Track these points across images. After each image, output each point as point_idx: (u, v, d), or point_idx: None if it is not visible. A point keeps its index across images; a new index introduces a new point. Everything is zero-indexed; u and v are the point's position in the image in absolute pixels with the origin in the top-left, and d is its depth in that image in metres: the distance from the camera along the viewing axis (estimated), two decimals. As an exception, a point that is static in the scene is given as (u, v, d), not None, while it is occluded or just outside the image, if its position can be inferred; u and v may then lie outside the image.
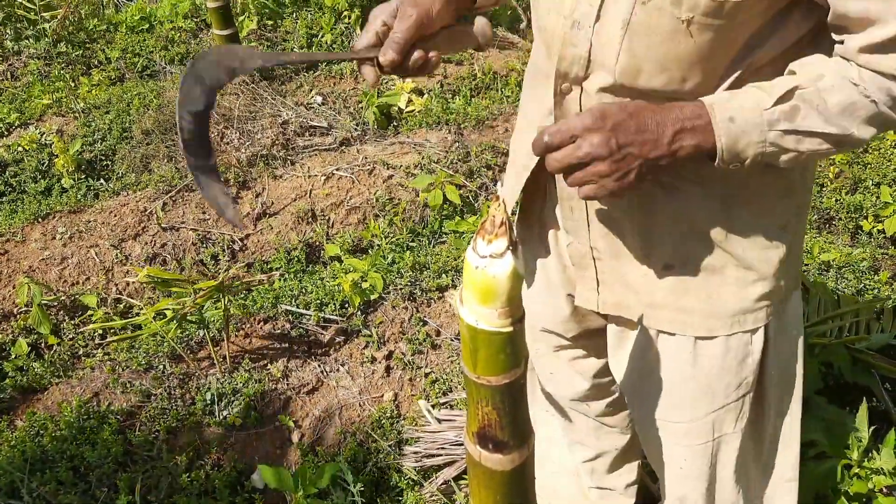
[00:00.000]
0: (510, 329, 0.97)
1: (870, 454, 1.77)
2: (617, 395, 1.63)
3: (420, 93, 4.17)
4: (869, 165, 3.69)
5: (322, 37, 4.75)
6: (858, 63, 1.00)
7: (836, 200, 3.57)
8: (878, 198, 3.55)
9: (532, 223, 1.40)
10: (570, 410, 1.70)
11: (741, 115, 1.01)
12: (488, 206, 0.99)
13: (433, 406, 2.53)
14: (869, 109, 1.01)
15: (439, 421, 2.44)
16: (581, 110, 1.14)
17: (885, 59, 0.98)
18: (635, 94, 1.09)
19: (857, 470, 1.74)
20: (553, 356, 1.58)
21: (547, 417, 1.77)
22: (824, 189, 3.70)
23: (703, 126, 1.02)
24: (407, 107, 4.06)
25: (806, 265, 3.18)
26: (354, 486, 2.21)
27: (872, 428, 1.78)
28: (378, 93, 4.09)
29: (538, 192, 1.35)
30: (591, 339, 1.52)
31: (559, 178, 1.22)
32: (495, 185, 3.58)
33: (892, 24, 0.95)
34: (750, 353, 1.27)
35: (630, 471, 1.82)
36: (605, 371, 1.56)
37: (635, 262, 1.26)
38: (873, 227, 3.45)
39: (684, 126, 1.02)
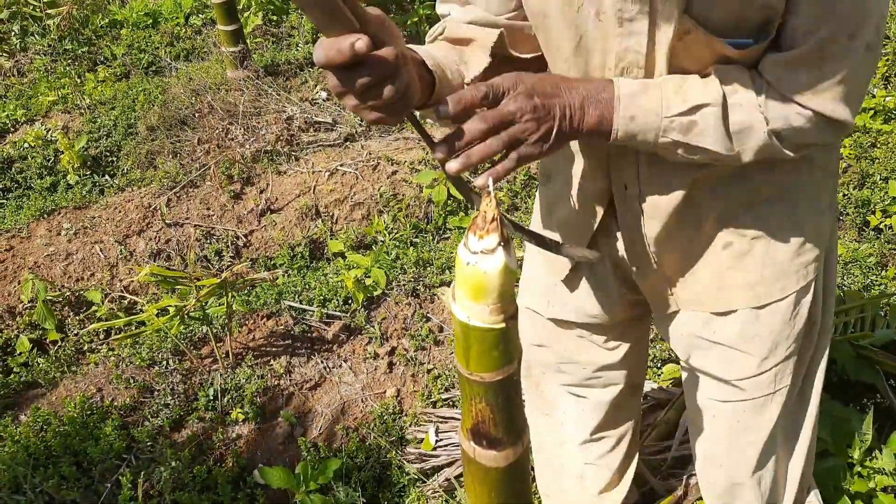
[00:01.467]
0: (502, 325, 0.96)
1: (872, 453, 1.75)
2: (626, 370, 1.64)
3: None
4: (877, 160, 3.66)
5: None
6: (769, 79, 1.04)
7: (844, 195, 3.54)
8: (886, 193, 3.52)
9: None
10: (578, 392, 1.69)
11: (642, 115, 1.05)
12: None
13: (435, 403, 2.52)
14: (760, 139, 1.06)
15: (442, 422, 2.44)
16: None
17: (791, 78, 1.02)
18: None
19: (859, 469, 1.73)
20: (582, 342, 1.58)
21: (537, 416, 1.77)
22: (831, 184, 3.67)
23: (607, 110, 1.05)
24: (411, 102, 4.05)
25: (812, 261, 3.15)
26: (356, 483, 2.21)
27: (876, 425, 1.77)
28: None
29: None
30: (629, 321, 1.53)
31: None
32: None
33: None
34: (804, 304, 1.31)
35: (621, 451, 1.81)
36: (631, 351, 1.59)
37: (698, 255, 1.29)
38: (881, 223, 3.42)
39: (591, 100, 1.05)
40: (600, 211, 1.30)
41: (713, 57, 1.07)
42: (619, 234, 1.33)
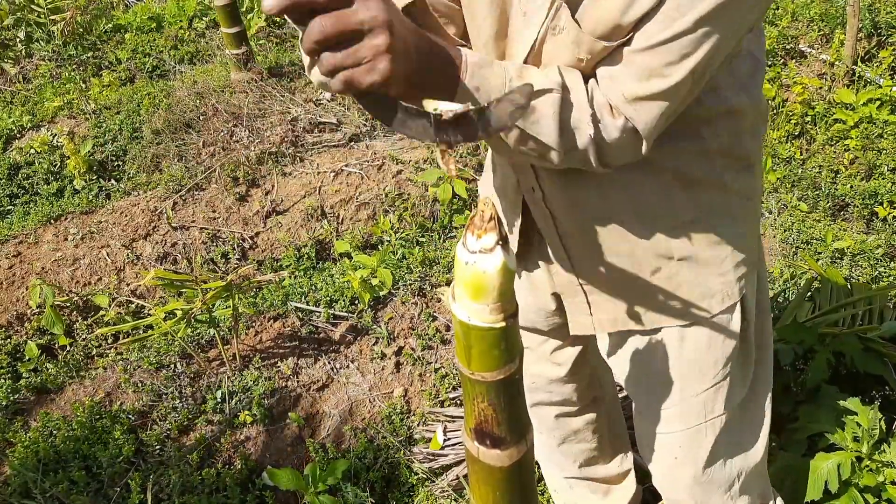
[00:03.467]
0: (503, 324, 0.96)
1: (881, 446, 1.74)
2: (583, 382, 1.66)
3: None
4: (884, 151, 3.63)
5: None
6: (600, 82, 1.01)
7: (851, 187, 3.52)
8: (893, 184, 3.50)
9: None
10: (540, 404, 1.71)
11: (485, 88, 0.98)
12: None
13: (442, 402, 2.52)
14: (581, 141, 1.01)
15: (450, 420, 2.44)
16: None
17: (617, 82, 0.99)
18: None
19: (867, 462, 1.72)
20: (530, 354, 1.61)
21: None
22: (839, 176, 3.65)
23: (452, 69, 0.96)
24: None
25: (819, 253, 3.14)
26: (365, 483, 2.21)
27: (881, 419, 1.76)
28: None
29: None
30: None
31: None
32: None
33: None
34: (731, 324, 1.30)
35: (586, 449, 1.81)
36: (580, 359, 1.60)
37: (623, 276, 1.27)
38: (889, 214, 3.40)
39: (440, 55, 0.95)
40: (519, 208, 1.30)
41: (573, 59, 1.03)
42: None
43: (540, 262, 1.40)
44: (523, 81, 0.99)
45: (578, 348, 1.58)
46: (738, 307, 1.29)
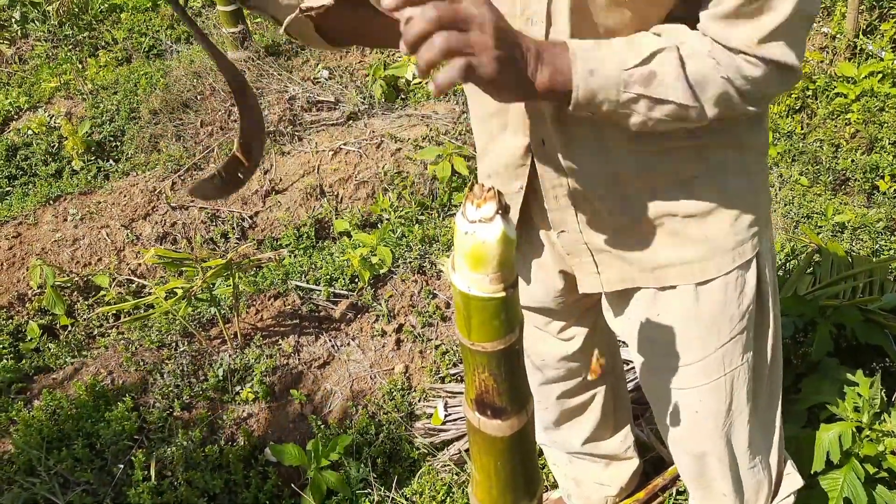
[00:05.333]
0: (503, 294, 0.96)
1: (882, 416, 1.75)
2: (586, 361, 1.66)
3: (427, 64, 4.13)
4: (885, 124, 3.62)
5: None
6: (711, 36, 1.00)
7: (852, 161, 3.51)
8: (894, 157, 3.49)
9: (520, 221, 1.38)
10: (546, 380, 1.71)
11: (602, 69, 0.98)
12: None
13: (443, 378, 2.53)
14: (720, 87, 1.01)
15: (451, 397, 2.45)
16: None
17: (732, 31, 0.99)
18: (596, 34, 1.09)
19: (868, 432, 1.72)
20: (539, 334, 1.60)
21: None
22: (839, 149, 3.64)
23: (562, 64, 0.98)
24: (414, 79, 4.03)
25: (819, 227, 3.13)
26: (367, 458, 2.23)
27: (884, 389, 1.76)
28: (385, 65, 4.06)
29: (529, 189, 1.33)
30: (580, 306, 1.53)
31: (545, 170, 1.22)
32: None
33: None
34: (746, 281, 1.29)
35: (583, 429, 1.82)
36: (589, 336, 1.59)
37: (628, 233, 1.26)
38: (890, 188, 3.40)
39: (546, 54, 0.97)
40: (524, 171, 1.27)
41: (621, 14, 1.02)
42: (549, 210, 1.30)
43: (542, 238, 1.39)
44: (634, 51, 1.00)
45: (587, 326, 1.57)
46: (754, 263, 1.29)
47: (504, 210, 0.92)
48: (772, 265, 1.36)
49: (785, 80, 1.05)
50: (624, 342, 1.56)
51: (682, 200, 1.22)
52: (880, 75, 3.75)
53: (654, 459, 2.11)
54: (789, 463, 1.60)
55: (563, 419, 1.77)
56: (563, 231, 1.31)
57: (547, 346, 1.61)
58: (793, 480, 1.59)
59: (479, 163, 1.41)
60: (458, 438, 2.31)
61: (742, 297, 1.30)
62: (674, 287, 1.30)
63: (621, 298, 1.37)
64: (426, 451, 2.31)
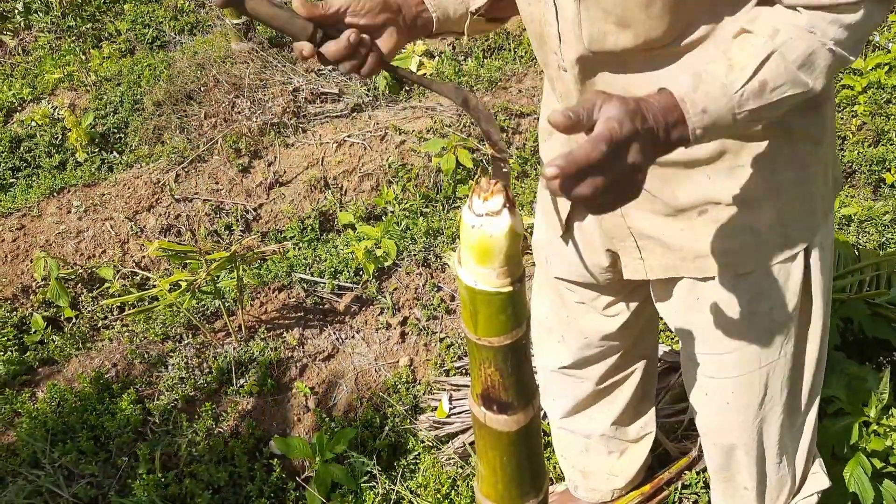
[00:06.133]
0: (510, 289, 0.95)
1: (889, 411, 1.74)
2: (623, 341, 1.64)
3: (431, 55, 4.12)
4: (892, 117, 3.59)
5: None
6: (799, 3, 0.99)
7: (858, 153, 3.49)
8: (901, 150, 3.47)
9: None
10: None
11: (712, 104, 0.99)
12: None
13: (448, 371, 2.53)
14: (826, 58, 1.00)
15: (455, 391, 2.45)
16: (575, 88, 1.19)
17: None
18: (610, 57, 1.11)
19: (875, 427, 1.71)
20: (582, 307, 1.58)
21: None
22: (846, 142, 3.62)
23: (679, 118, 0.98)
24: (418, 70, 4.01)
25: (826, 220, 3.12)
26: (372, 451, 2.22)
27: (892, 383, 1.75)
28: (388, 57, 4.04)
29: None
30: (630, 284, 1.51)
31: None
32: (508, 147, 3.54)
33: None
34: (790, 275, 1.27)
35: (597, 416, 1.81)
36: (633, 315, 1.58)
37: (671, 219, 1.25)
38: (896, 180, 3.38)
39: (661, 113, 0.97)
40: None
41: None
42: None
43: (590, 216, 1.38)
44: (738, 70, 0.99)
45: (634, 304, 1.55)
46: (801, 257, 1.27)
47: (511, 204, 0.91)
48: (826, 262, 1.33)
49: (884, 10, 1.02)
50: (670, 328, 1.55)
51: (726, 188, 1.20)
52: (887, 67, 3.72)
53: (660, 454, 2.10)
54: (818, 462, 1.59)
55: (592, 400, 1.75)
56: (604, 216, 1.31)
57: (591, 322, 1.58)
58: (819, 480, 1.58)
59: (543, 144, 1.47)
60: (463, 431, 2.31)
61: (784, 291, 1.28)
62: (712, 277, 1.29)
63: (665, 282, 1.37)
64: (431, 444, 2.31)
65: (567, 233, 1.45)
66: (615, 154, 0.88)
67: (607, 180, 0.87)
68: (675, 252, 1.29)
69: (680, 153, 1.10)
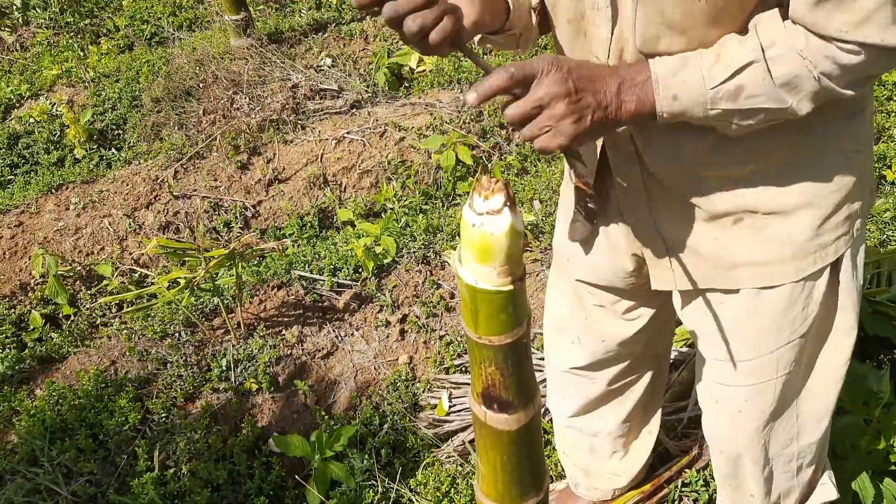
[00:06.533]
0: (511, 288, 0.94)
1: (890, 409, 1.73)
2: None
3: (430, 52, 4.11)
4: (893, 113, 3.59)
5: (330, -2, 4.69)
6: (805, 24, 0.99)
7: (859, 151, 3.49)
8: (902, 147, 3.46)
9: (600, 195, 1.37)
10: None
11: (685, 92, 1.02)
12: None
13: (447, 369, 2.52)
14: (811, 86, 1.01)
15: (455, 387, 2.44)
16: None
17: (826, 18, 0.97)
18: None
19: (876, 425, 1.71)
20: (601, 310, 1.56)
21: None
22: (846, 139, 3.61)
23: (645, 93, 1.03)
24: (418, 67, 4.00)
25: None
26: (371, 449, 2.22)
27: (893, 382, 1.75)
28: (388, 53, 4.03)
29: (605, 166, 1.32)
30: (648, 289, 1.49)
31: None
32: (508, 144, 3.53)
33: None
34: (816, 286, 1.26)
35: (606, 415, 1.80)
36: (652, 319, 1.56)
37: (704, 226, 1.23)
38: (897, 177, 3.37)
39: (628, 84, 1.04)
40: (594, 152, 1.27)
41: (690, 4, 1.01)
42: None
43: (616, 218, 1.36)
44: (722, 65, 1.01)
45: (654, 308, 1.53)
46: (833, 268, 1.25)
47: (512, 202, 0.90)
48: (857, 275, 1.31)
49: (889, 60, 1.02)
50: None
51: (764, 196, 1.18)
52: (888, 64, 3.71)
53: (660, 452, 2.10)
54: (827, 473, 1.58)
55: (602, 400, 1.73)
56: (633, 216, 1.29)
57: (610, 325, 1.56)
58: (826, 491, 1.57)
59: None
60: (463, 429, 2.30)
61: (808, 302, 1.27)
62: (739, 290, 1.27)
63: (688, 293, 1.36)
64: (430, 441, 2.30)
65: (591, 236, 1.43)
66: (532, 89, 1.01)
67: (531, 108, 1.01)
68: (706, 261, 1.26)
69: (716, 162, 1.12)
